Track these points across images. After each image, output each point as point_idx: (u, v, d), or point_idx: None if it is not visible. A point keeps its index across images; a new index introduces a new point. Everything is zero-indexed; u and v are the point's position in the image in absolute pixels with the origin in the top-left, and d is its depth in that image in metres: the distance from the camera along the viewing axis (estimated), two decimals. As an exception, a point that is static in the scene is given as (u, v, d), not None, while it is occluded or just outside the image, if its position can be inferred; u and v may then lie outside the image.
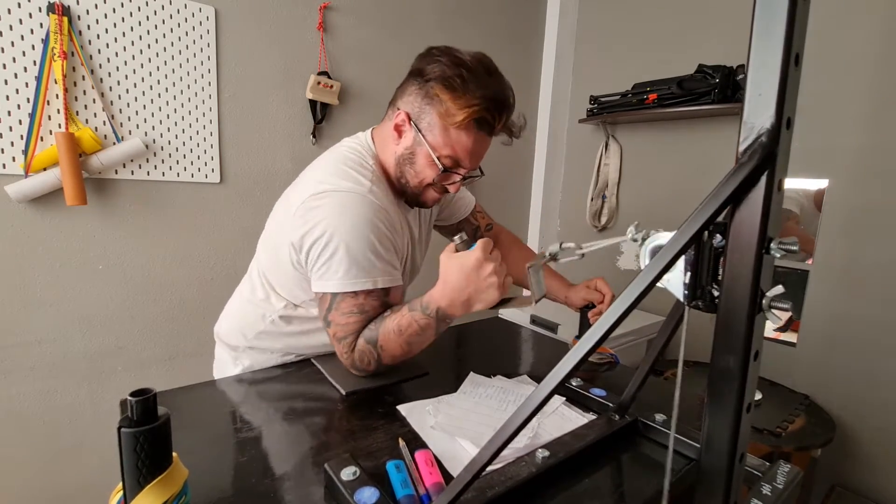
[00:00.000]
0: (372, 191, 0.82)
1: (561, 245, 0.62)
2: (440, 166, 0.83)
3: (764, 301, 0.34)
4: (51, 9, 1.22)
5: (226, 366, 1.02)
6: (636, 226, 0.45)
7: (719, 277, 0.36)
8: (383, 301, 0.83)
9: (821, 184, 1.60)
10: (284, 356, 0.98)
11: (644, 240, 0.43)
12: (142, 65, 1.39)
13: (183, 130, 1.48)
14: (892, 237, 1.48)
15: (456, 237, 0.79)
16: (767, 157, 0.31)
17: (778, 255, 0.33)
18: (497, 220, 1.29)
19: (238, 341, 0.99)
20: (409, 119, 0.84)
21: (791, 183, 1.66)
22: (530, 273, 0.76)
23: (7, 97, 1.21)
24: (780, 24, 0.29)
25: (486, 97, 0.79)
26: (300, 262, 0.84)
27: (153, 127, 1.43)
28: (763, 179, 0.32)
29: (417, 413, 0.76)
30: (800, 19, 0.30)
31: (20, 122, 1.23)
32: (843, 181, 1.56)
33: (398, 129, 0.86)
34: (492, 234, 1.22)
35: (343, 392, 0.82)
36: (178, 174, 1.49)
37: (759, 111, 0.32)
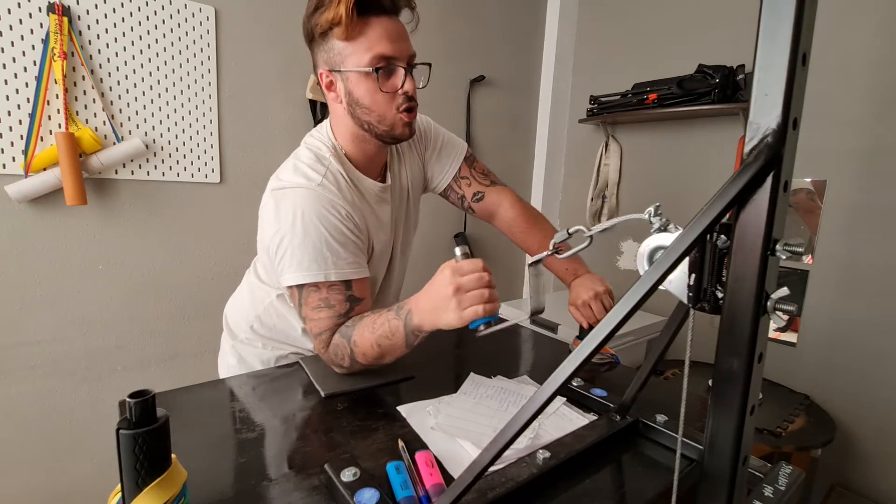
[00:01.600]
0: (322, 184, 0.81)
1: (569, 230, 0.58)
2: (373, 72, 0.78)
3: (769, 303, 0.34)
4: (51, 9, 1.22)
5: (226, 354, 1.04)
6: (657, 207, 0.44)
7: (723, 279, 0.36)
8: (347, 295, 0.81)
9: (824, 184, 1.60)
10: (276, 349, 0.99)
11: (665, 227, 0.43)
12: (142, 65, 1.38)
13: (183, 130, 1.48)
14: (891, 237, 1.47)
15: (457, 249, 0.73)
16: (773, 158, 0.31)
17: (783, 257, 0.33)
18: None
19: (240, 327, 1.02)
20: (328, 70, 0.82)
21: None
22: (530, 274, 0.71)
23: (7, 97, 1.21)
24: (787, 24, 0.29)
25: None
26: (270, 261, 0.85)
27: (153, 127, 1.42)
28: (769, 180, 0.32)
29: (417, 414, 0.75)
30: (807, 18, 0.29)
31: (20, 122, 1.23)
32: (842, 181, 1.56)
33: (330, 88, 0.84)
34: (482, 207, 1.08)
35: (322, 394, 0.81)
36: (178, 174, 1.48)
37: (765, 111, 0.32)
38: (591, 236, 0.56)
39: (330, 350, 0.82)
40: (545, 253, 0.66)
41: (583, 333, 1.07)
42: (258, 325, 0.99)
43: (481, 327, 0.71)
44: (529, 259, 0.70)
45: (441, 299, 0.70)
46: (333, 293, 0.80)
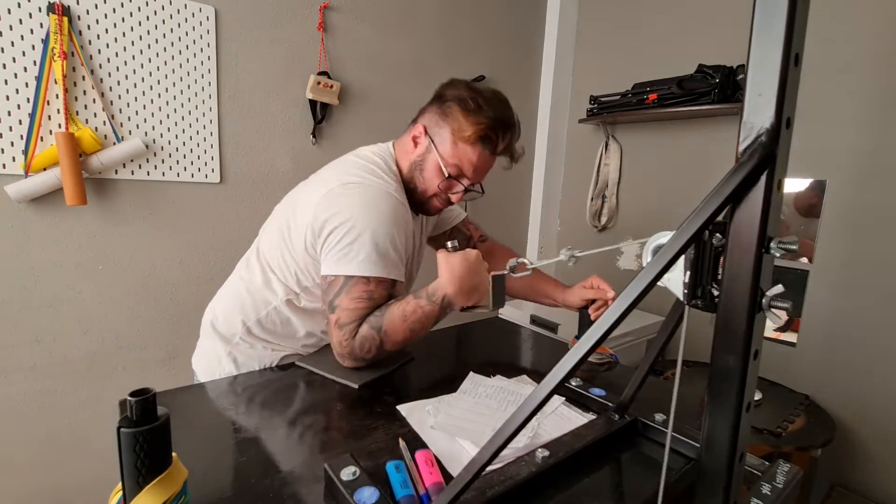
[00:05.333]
0: (396, 190, 0.90)
1: (517, 260, 0.73)
2: (445, 173, 0.92)
3: (764, 300, 0.34)
4: (51, 9, 1.22)
5: (211, 359, 0.99)
6: (569, 248, 0.51)
7: (719, 277, 0.36)
8: (390, 293, 0.87)
9: (803, 184, 1.61)
10: (276, 350, 0.98)
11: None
12: (142, 65, 1.38)
13: (183, 130, 1.48)
14: (891, 237, 1.47)
15: (448, 243, 0.87)
16: (767, 157, 0.31)
17: (777, 255, 0.33)
18: (497, 220, 1.34)
19: (233, 330, 0.98)
20: (426, 131, 0.93)
21: (789, 183, 1.67)
22: (492, 281, 0.84)
23: (7, 97, 1.21)
24: (779, 24, 0.29)
25: (493, 118, 0.89)
26: (314, 245, 0.88)
27: (153, 127, 1.43)
28: (763, 179, 0.32)
29: (417, 413, 0.76)
30: (799, 19, 0.29)
31: (20, 122, 1.23)
32: (842, 181, 1.56)
33: (415, 140, 0.95)
34: (486, 247, 1.24)
35: (356, 386, 0.84)
36: (178, 174, 1.49)
37: (758, 111, 0.32)
38: (532, 268, 0.70)
39: (356, 342, 0.84)
40: (504, 271, 0.77)
41: (581, 333, 1.08)
42: (258, 329, 0.97)
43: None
44: (493, 273, 0.84)
45: (480, 277, 0.85)
46: (381, 289, 0.86)
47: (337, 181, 0.88)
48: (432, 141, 0.93)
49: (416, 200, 0.97)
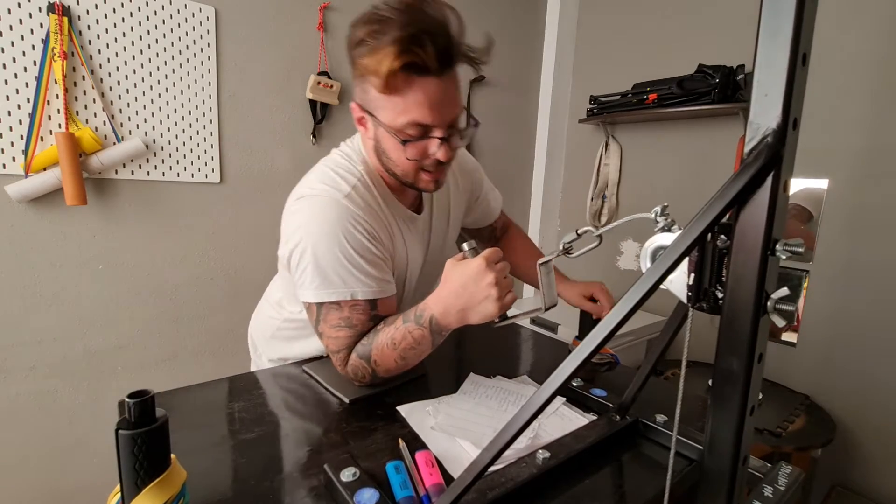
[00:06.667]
0: (349, 196, 0.76)
1: (577, 231, 0.57)
2: (399, 140, 0.72)
3: (769, 303, 0.34)
4: (51, 9, 1.22)
5: (252, 364, 1.08)
6: (664, 207, 0.43)
7: (723, 279, 0.36)
8: (371, 315, 0.78)
9: (824, 184, 1.60)
10: (286, 362, 0.99)
11: (670, 227, 0.42)
12: (142, 65, 1.38)
13: (183, 130, 1.48)
14: (891, 237, 1.47)
15: (465, 244, 0.71)
16: (773, 158, 0.31)
17: (783, 257, 0.33)
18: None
19: (257, 340, 1.03)
20: (360, 107, 0.76)
21: (793, 183, 1.66)
22: (541, 272, 0.68)
23: (7, 97, 1.21)
24: (787, 24, 0.29)
25: (396, 38, 0.65)
26: (287, 268, 0.82)
27: (153, 127, 1.42)
28: (769, 180, 0.32)
29: (417, 414, 0.75)
30: (807, 18, 0.29)
31: (20, 122, 1.23)
32: (843, 181, 1.56)
33: (361, 123, 0.78)
34: (502, 232, 1.20)
35: (346, 400, 0.80)
36: (178, 174, 1.48)
37: (765, 111, 0.32)
38: (600, 236, 0.55)
39: (349, 369, 0.79)
40: (556, 252, 0.64)
41: (582, 334, 1.07)
42: (273, 342, 0.99)
43: (496, 319, 0.71)
44: (540, 260, 0.68)
45: (478, 291, 0.68)
46: (356, 312, 0.76)
47: (292, 197, 0.79)
48: (370, 113, 0.74)
49: (406, 183, 0.81)
